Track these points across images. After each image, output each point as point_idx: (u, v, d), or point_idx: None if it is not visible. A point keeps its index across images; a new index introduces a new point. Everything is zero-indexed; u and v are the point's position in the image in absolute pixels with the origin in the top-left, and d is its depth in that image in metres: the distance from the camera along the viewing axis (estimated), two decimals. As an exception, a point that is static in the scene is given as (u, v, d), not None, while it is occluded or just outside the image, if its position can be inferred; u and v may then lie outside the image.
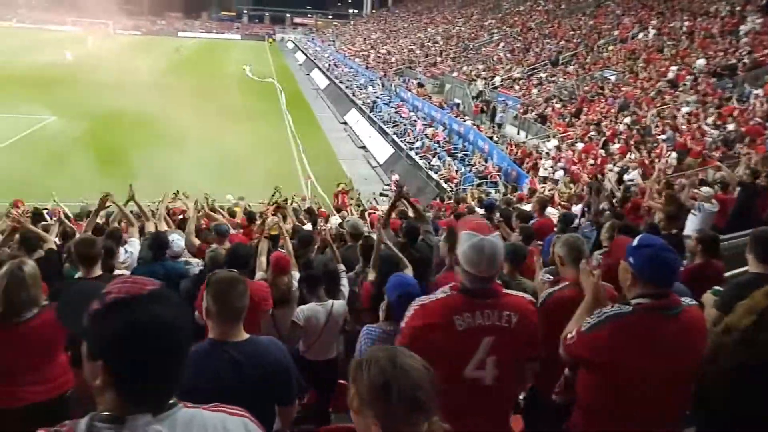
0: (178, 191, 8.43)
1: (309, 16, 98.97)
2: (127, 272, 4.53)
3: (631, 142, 13.33)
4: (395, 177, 18.09)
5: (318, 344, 3.92)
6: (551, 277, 3.78)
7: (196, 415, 1.25)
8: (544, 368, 2.35)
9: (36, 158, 18.00)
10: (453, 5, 52.06)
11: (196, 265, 5.15)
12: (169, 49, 55.11)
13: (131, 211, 6.20)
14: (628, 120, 14.93)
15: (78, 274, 3.86)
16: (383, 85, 31.85)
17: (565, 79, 21.76)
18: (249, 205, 10.24)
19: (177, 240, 5.12)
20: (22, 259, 3.14)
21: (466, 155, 18.77)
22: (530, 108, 19.94)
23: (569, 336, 2.22)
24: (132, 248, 5.27)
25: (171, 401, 1.23)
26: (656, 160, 11.94)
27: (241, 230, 7.15)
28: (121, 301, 1.17)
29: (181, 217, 8.24)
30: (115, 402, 1.17)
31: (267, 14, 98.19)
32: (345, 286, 4.42)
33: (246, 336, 2.27)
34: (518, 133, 19.56)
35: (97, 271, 3.81)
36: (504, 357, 2.07)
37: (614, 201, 7.61)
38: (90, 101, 27.03)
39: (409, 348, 1.95)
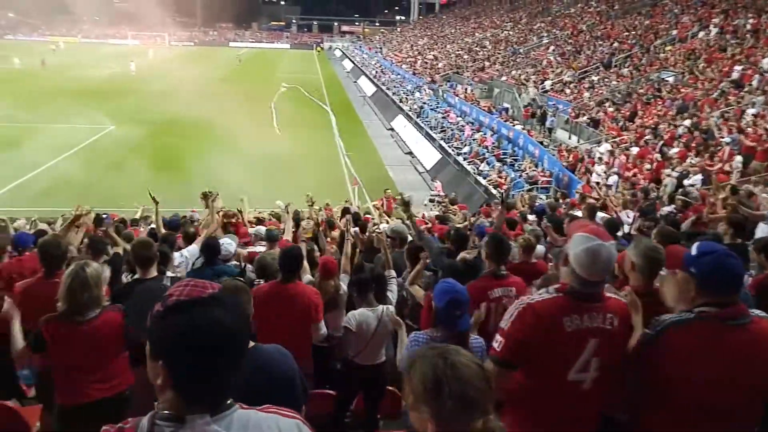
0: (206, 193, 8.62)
1: (356, 24, 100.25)
2: (181, 275, 4.68)
3: (692, 146, 12.74)
4: (438, 184, 17.96)
5: (368, 349, 3.90)
6: None
7: (251, 416, 1.27)
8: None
9: (96, 166, 18.90)
10: (501, 9, 51.50)
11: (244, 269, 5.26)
12: (222, 58, 57.01)
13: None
14: (687, 122, 14.28)
15: (135, 276, 3.99)
16: (430, 91, 31.77)
17: (618, 81, 21.07)
18: (299, 211, 10.40)
19: (227, 244, 5.22)
20: (87, 260, 3.24)
21: (515, 160, 18.44)
22: (582, 112, 19.41)
23: (630, 348, 2.15)
24: (188, 253, 5.42)
25: (228, 402, 1.26)
26: (720, 164, 11.35)
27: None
28: (182, 303, 1.21)
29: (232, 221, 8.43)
30: (175, 401, 1.21)
31: (315, 23, 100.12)
32: (393, 292, 4.39)
33: (252, 344, 2.26)
34: (569, 138, 19.07)
35: (153, 273, 3.93)
36: (606, 359, 2.07)
37: (673, 208, 7.28)
38: (150, 110, 28.30)
39: (514, 351, 2.04)
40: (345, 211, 7.00)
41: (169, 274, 4.38)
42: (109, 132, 24.22)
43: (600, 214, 6.99)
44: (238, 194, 11.95)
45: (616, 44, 25.33)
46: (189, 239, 5.96)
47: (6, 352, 4.27)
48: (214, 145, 21.68)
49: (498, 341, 2.11)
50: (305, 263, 4.33)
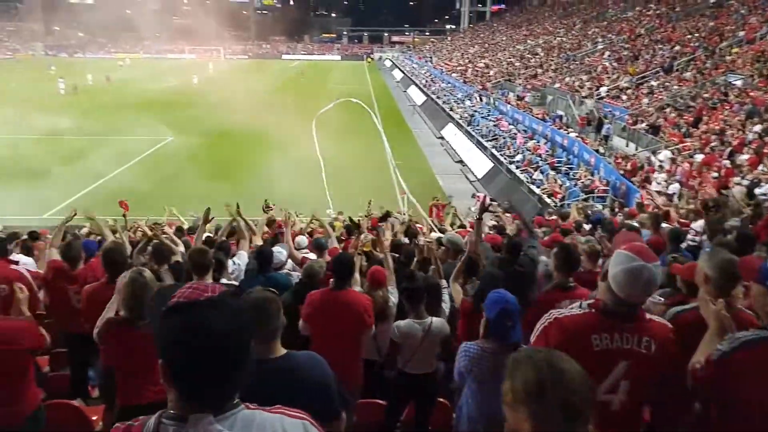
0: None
1: (406, 34, 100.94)
2: (234, 282, 4.76)
3: (764, 152, 12.00)
4: (480, 194, 17.68)
5: (415, 358, 3.86)
6: (662, 299, 3.47)
7: (256, 416, 1.31)
8: (666, 400, 2.14)
9: (155, 176, 19.68)
10: (554, 16, 50.57)
11: (297, 277, 5.30)
12: (276, 70, 58.58)
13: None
14: (758, 128, 13.48)
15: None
16: (481, 99, 31.46)
17: (680, 86, 20.18)
18: (350, 219, 10.45)
19: (279, 252, 5.27)
20: (140, 268, 3.35)
21: (570, 169, 17.93)
22: (640, 118, 18.69)
23: (697, 366, 1.99)
24: (240, 260, 5.51)
25: (234, 402, 1.29)
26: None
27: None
28: (180, 305, 1.29)
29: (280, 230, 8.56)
30: (178, 400, 1.26)
31: (365, 34, 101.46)
32: (447, 302, 4.32)
33: (283, 352, 2.25)
34: (627, 145, 18.39)
35: (209, 280, 3.96)
36: (637, 383, 1.95)
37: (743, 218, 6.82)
38: (208, 121, 29.36)
39: None
40: (385, 216, 6.94)
41: (223, 281, 4.47)
42: (168, 143, 25.21)
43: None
44: (288, 203, 12.17)
45: (677, 47, 24.32)
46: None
47: (83, 352, 4.53)
48: (266, 154, 22.18)
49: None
50: (356, 275, 4.31)
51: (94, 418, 3.88)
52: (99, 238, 5.90)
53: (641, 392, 1.97)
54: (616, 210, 12.70)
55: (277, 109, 31.29)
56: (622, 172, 15.26)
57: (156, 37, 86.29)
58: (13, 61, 68.86)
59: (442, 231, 8.30)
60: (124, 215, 7.20)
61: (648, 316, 2.02)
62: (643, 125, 17.98)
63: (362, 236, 4.79)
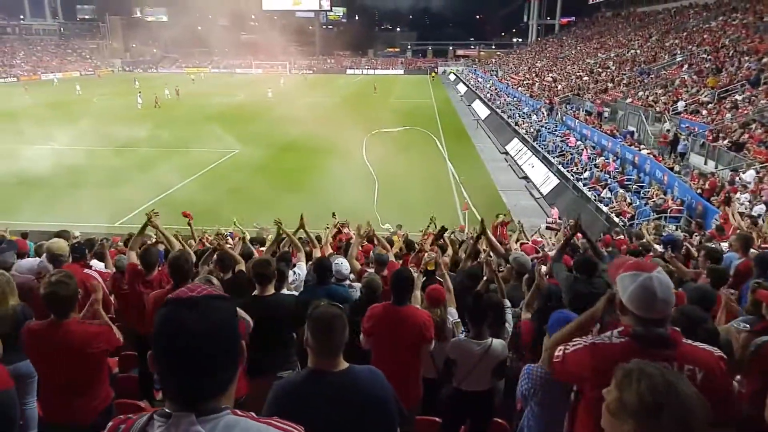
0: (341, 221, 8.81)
1: (472, 47, 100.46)
2: (295, 293, 4.84)
3: None
4: (555, 210, 17.14)
5: (472, 376, 3.82)
6: (747, 326, 3.26)
7: (240, 423, 1.27)
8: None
9: (221, 187, 20.46)
10: (627, 28, 48.79)
11: (358, 289, 5.33)
12: (341, 85, 59.85)
13: (300, 238, 6.64)
14: None
15: (254, 292, 4.15)
16: (548, 114, 30.75)
17: None
18: (407, 234, 10.43)
19: (343, 263, 5.28)
20: (207, 275, 3.49)
21: (641, 187, 17.13)
22: (722, 135, 17.59)
23: None
24: (300, 271, 5.62)
25: (220, 405, 1.27)
26: None
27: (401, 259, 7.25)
28: (167, 301, 1.30)
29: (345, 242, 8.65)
30: (166, 398, 1.28)
31: (430, 48, 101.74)
32: (509, 323, 4.22)
33: (345, 366, 2.25)
34: (705, 163, 17.34)
35: (270, 290, 4.10)
36: None
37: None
38: (276, 133, 30.35)
39: (565, 377, 2.02)
40: (440, 233, 6.83)
41: (284, 291, 4.56)
42: (235, 155, 26.18)
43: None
44: (351, 215, 12.29)
45: (765, 59, 22.80)
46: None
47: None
48: (328, 167, 22.64)
49: (558, 356, 2.02)
50: (417, 292, 4.28)
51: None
52: (164, 247, 6.17)
53: None
54: (694, 231, 11.98)
55: (342, 123, 31.87)
56: (699, 191, 14.40)
57: (225, 52, 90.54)
58: (95, 77, 74.01)
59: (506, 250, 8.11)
60: (189, 224, 7.52)
61: (686, 340, 1.90)
62: (725, 142, 16.91)
63: (426, 255, 4.74)
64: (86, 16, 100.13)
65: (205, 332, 1.24)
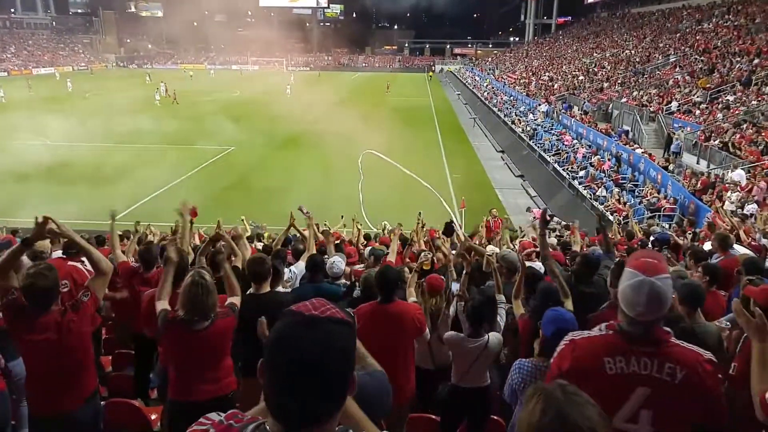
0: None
1: (469, 46, 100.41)
2: (288, 290, 4.88)
3: None
4: (536, 210, 17.27)
5: (470, 373, 3.88)
6: (728, 324, 3.34)
7: None
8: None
9: (214, 184, 20.41)
10: (622, 28, 48.91)
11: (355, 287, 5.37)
12: (341, 82, 59.80)
13: (295, 235, 6.71)
14: None
15: (249, 291, 4.16)
16: (545, 113, 30.88)
17: (759, 100, 19.05)
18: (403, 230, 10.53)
19: (337, 262, 5.31)
20: (200, 270, 3.44)
21: (635, 186, 17.29)
22: (713, 134, 17.77)
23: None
24: (297, 269, 5.65)
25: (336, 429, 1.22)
26: None
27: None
28: (284, 314, 1.22)
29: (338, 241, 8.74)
30: (267, 413, 1.21)
31: (427, 46, 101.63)
32: (502, 317, 4.31)
33: None
34: (698, 163, 17.51)
35: (266, 288, 4.11)
36: (663, 415, 1.83)
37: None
38: (275, 131, 30.28)
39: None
40: (450, 229, 6.91)
41: (280, 289, 4.59)
42: (230, 152, 26.11)
43: (741, 249, 6.25)
44: (343, 212, 12.37)
45: (756, 60, 22.99)
46: (297, 256, 6.31)
47: (147, 353, 4.75)
48: (324, 164, 22.73)
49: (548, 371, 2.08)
50: (411, 289, 4.33)
51: (153, 417, 4.05)
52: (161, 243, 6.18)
53: (669, 425, 1.83)
54: (686, 229, 12.13)
55: (339, 120, 31.90)
56: (691, 190, 14.57)
57: (221, 48, 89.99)
58: (88, 72, 72.95)
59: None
60: (191, 222, 7.57)
61: (674, 340, 1.89)
62: (717, 141, 17.09)
63: (422, 255, 4.82)
64: (79, 10, 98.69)
65: (326, 355, 1.15)
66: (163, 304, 3.40)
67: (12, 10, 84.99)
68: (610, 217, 15.28)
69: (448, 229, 6.98)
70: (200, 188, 19.78)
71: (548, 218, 4.59)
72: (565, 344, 2.01)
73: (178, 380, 3.43)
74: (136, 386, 4.73)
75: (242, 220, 9.92)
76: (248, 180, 21.35)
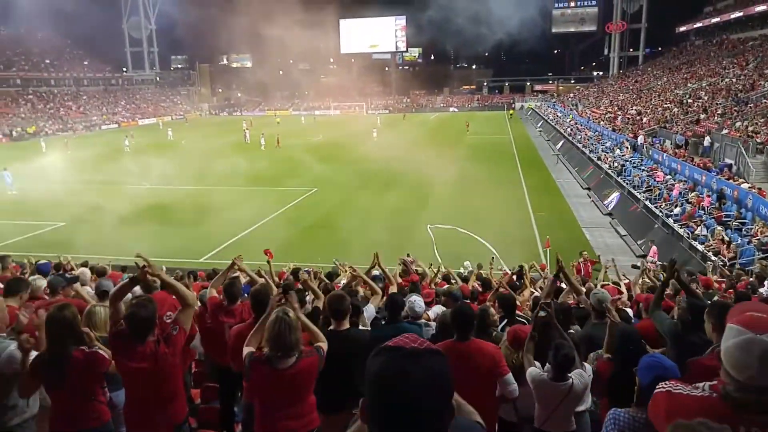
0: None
1: (550, 82, 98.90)
2: (369, 329, 4.81)
3: None
4: (654, 248, 16.02)
5: (554, 416, 3.67)
6: None
7: None
8: None
9: (298, 225, 20.84)
10: (720, 55, 46.22)
11: (433, 327, 5.22)
12: (418, 123, 60.72)
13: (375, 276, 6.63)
14: None
15: (330, 327, 4.19)
16: (633, 148, 29.42)
17: None
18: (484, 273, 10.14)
19: (418, 301, 5.21)
20: (285, 308, 3.54)
21: (743, 224, 15.79)
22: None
23: None
24: (367, 312, 5.59)
25: None
26: None
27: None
28: (384, 348, 1.23)
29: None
30: None
31: (506, 84, 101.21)
32: (590, 364, 4.03)
33: None
34: (818, 198, 15.76)
35: (346, 325, 4.13)
36: None
37: None
38: (356, 173, 31.00)
39: None
40: (520, 273, 6.57)
41: (360, 327, 4.54)
42: (313, 193, 26.73)
43: None
44: (427, 252, 12.17)
45: None
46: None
47: (232, 386, 4.86)
48: (406, 204, 22.79)
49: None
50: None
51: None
52: (247, 279, 6.46)
53: None
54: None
55: (419, 160, 32.12)
56: (811, 228, 13.05)
57: (305, 95, 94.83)
58: (183, 121, 78.67)
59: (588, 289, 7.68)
60: (268, 262, 7.82)
61: None
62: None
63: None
64: (179, 66, 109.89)
65: (431, 386, 1.17)
66: (249, 349, 3.54)
67: (124, 69, 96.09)
68: (714, 258, 13.97)
69: (520, 274, 6.66)
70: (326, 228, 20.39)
71: (677, 268, 4.28)
72: (662, 392, 1.79)
73: (263, 416, 3.53)
74: (221, 419, 4.86)
75: (334, 261, 10.07)
76: (330, 220, 21.77)
